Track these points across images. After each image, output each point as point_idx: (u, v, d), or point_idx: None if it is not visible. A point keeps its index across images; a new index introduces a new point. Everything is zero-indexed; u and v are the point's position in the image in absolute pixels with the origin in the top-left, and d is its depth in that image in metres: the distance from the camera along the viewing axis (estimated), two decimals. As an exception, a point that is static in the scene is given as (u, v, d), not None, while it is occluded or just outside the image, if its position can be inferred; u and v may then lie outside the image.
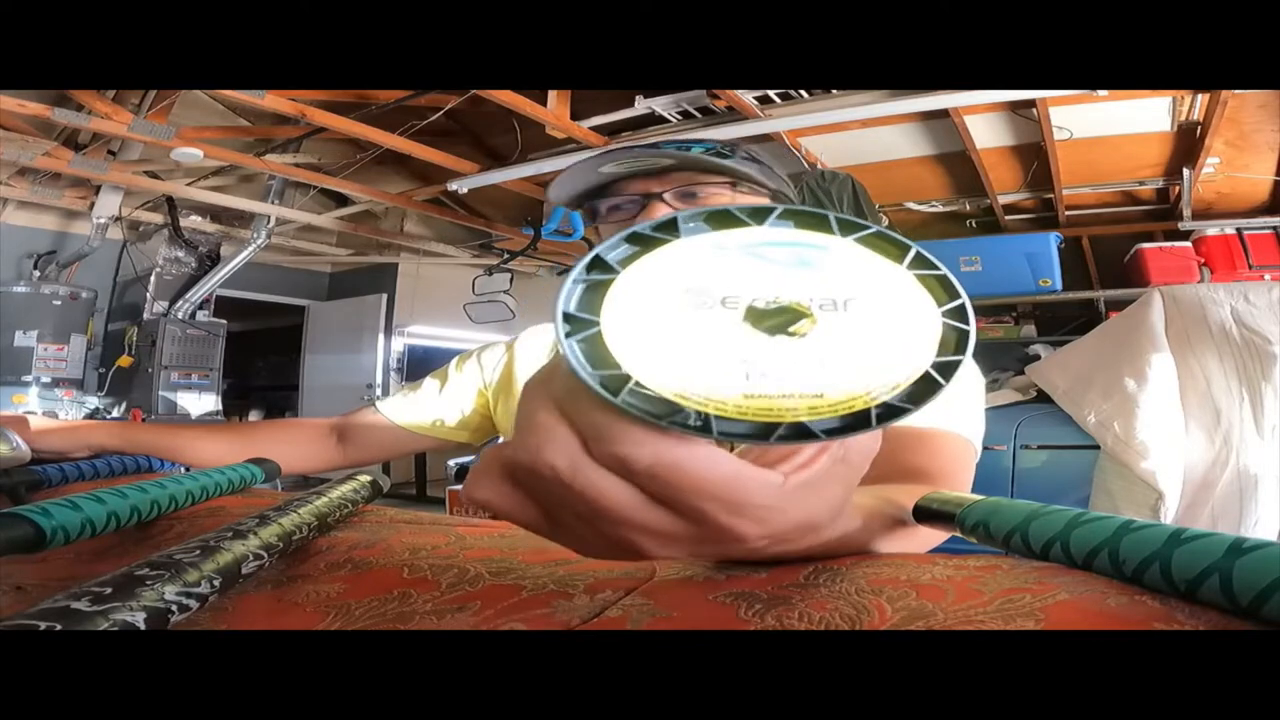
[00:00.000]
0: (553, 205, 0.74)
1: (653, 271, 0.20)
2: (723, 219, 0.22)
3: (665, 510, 0.21)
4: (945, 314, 0.21)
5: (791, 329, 0.20)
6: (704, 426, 0.19)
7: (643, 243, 0.21)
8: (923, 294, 0.22)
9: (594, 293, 0.20)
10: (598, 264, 0.20)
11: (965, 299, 0.22)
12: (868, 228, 0.22)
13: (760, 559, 0.27)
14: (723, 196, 0.66)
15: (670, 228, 0.21)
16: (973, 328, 0.21)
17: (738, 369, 0.19)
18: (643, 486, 0.20)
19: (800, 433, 0.19)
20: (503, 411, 0.84)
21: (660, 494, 0.20)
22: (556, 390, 0.20)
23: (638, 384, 0.19)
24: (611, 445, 0.19)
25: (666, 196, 0.64)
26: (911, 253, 0.22)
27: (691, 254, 0.21)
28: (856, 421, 0.20)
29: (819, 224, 0.22)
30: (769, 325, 0.20)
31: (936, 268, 0.22)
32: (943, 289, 0.22)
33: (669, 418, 0.19)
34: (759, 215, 0.22)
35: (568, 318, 0.20)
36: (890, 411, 0.20)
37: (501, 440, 0.86)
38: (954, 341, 0.21)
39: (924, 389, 0.20)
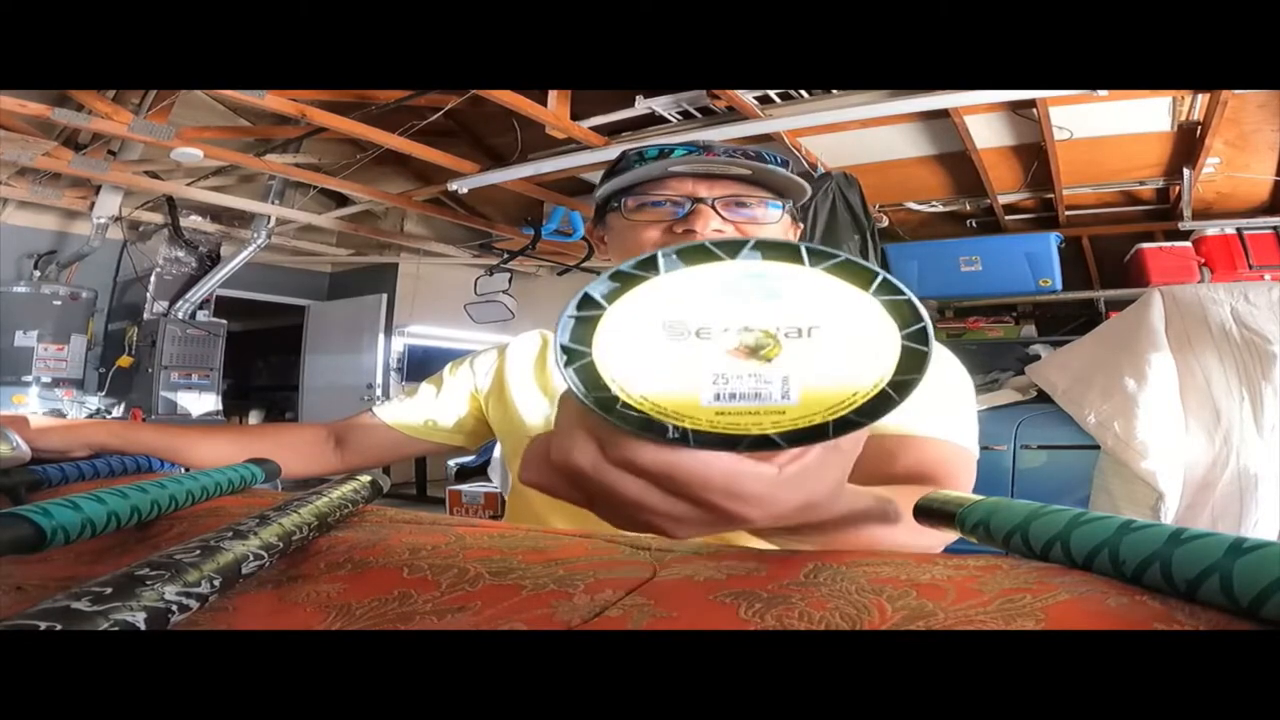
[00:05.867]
0: (600, 196, 0.72)
1: (635, 307, 0.24)
2: (697, 254, 0.24)
3: (675, 499, 0.24)
4: (905, 337, 0.24)
5: (760, 354, 0.23)
6: (682, 438, 0.23)
7: (624, 280, 0.24)
8: (885, 318, 0.24)
9: (585, 326, 0.24)
10: (587, 301, 0.24)
11: (927, 323, 0.24)
12: (836, 256, 0.24)
13: (777, 529, 0.31)
14: (765, 212, 0.66)
15: (650, 265, 0.24)
16: (931, 350, 0.24)
17: (710, 390, 0.23)
18: (652, 482, 0.24)
19: (764, 442, 0.23)
20: (496, 415, 0.84)
21: (669, 488, 0.24)
22: (578, 403, 0.24)
23: (624, 404, 0.23)
24: (620, 450, 0.24)
25: (716, 204, 0.64)
26: (878, 279, 0.24)
27: (669, 290, 0.24)
28: (815, 434, 0.23)
29: (789, 255, 0.24)
30: (739, 352, 0.23)
31: (901, 293, 0.24)
32: (909, 311, 0.24)
33: (653, 431, 0.23)
34: (732, 249, 0.25)
35: (564, 349, 0.24)
36: (846, 424, 0.23)
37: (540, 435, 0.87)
38: (913, 362, 0.23)
39: (880, 405, 0.23)
